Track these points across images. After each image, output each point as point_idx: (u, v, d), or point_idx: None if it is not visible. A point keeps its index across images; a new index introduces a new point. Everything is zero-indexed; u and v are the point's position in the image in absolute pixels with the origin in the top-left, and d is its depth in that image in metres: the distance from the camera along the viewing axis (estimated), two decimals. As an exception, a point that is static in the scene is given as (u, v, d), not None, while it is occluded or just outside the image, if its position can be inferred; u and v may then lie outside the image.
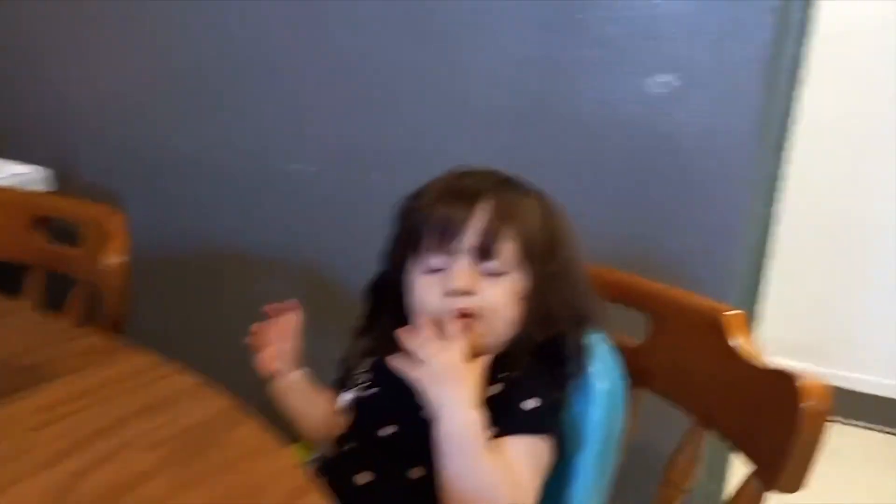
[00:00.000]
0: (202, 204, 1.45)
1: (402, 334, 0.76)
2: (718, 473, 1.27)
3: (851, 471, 2.01)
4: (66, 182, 1.50)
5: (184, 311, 1.53)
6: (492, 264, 0.77)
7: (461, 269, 0.76)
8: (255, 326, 0.91)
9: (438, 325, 0.76)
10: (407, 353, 0.75)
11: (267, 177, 1.37)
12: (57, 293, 1.10)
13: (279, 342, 0.90)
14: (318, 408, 0.91)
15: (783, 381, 0.68)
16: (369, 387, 0.84)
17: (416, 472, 0.76)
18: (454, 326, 0.75)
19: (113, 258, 1.01)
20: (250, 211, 1.41)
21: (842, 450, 2.07)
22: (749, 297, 1.22)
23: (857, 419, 2.20)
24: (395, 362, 0.75)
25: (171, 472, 0.61)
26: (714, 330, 0.78)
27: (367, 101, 1.26)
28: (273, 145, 1.36)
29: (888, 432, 2.19)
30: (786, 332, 2.22)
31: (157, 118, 1.46)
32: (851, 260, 2.23)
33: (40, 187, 1.45)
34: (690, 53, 1.03)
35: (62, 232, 1.14)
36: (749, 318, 1.25)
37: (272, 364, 0.90)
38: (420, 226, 0.79)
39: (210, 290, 1.49)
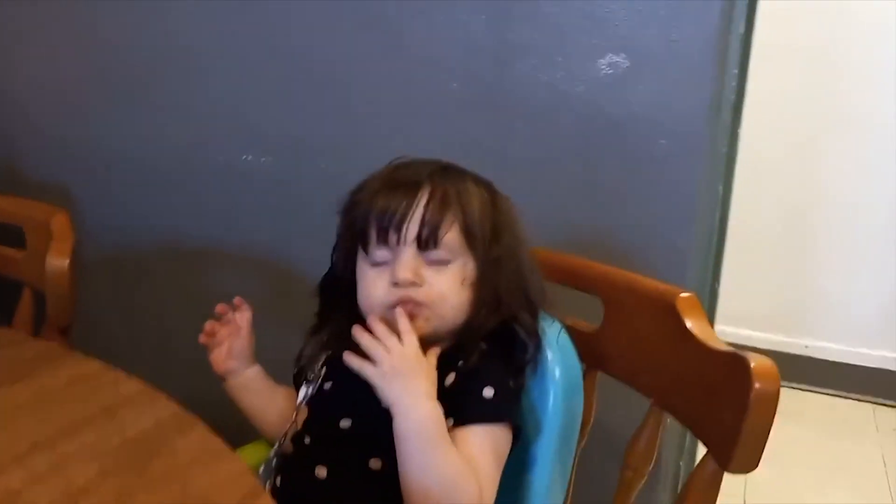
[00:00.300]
0: (152, 199, 1.41)
1: (356, 332, 0.75)
2: (690, 452, 1.29)
3: (821, 437, 2.07)
4: (7, 181, 1.45)
5: (135, 309, 1.50)
6: (435, 253, 0.78)
7: (405, 261, 0.77)
8: (207, 325, 0.90)
9: (388, 322, 0.76)
10: (361, 351, 0.75)
11: (215, 169, 1.34)
12: (8, 298, 1.07)
13: (232, 340, 0.90)
14: (275, 403, 0.92)
15: (735, 363, 0.69)
16: (325, 381, 0.84)
17: (374, 464, 0.76)
18: (402, 318, 0.75)
19: (57, 260, 0.98)
20: (201, 205, 1.38)
21: (812, 416, 2.13)
22: (707, 275, 1.23)
23: (822, 386, 2.27)
24: (350, 360, 0.75)
25: (116, 482, 0.59)
26: (668, 313, 0.78)
27: (313, 89, 1.24)
28: (220, 137, 1.33)
29: (855, 399, 2.25)
30: (752, 305, 2.27)
31: (102, 112, 1.42)
32: (813, 231, 2.27)
33: (-19, 187, 1.40)
34: (639, 34, 1.02)
35: (8, 233, 1.11)
36: (709, 296, 1.27)
37: (227, 362, 0.90)
38: (362, 220, 0.79)
39: (162, 288, 1.46)
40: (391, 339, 0.74)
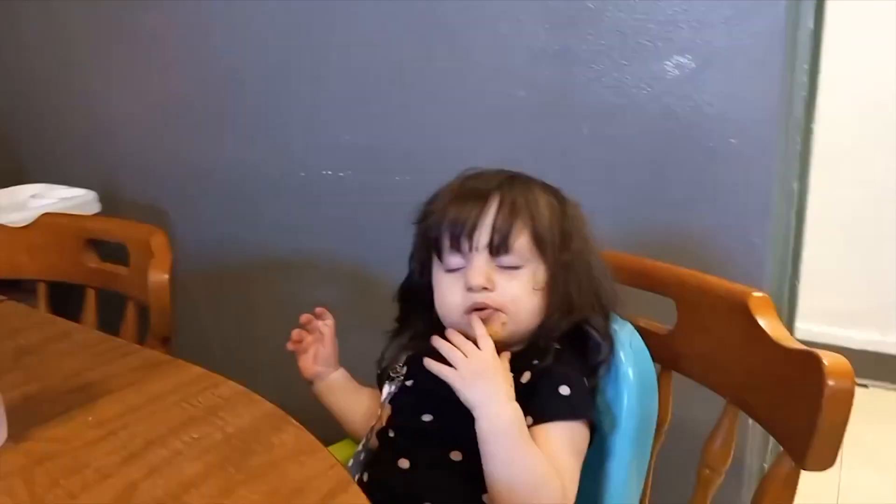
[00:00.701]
0: (240, 215, 1.49)
1: (434, 341, 0.79)
2: (774, 453, 1.27)
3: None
4: (110, 202, 1.56)
5: (228, 319, 1.59)
6: (507, 259, 0.80)
7: (477, 267, 0.80)
8: (294, 333, 0.95)
9: (464, 327, 0.79)
10: (440, 357, 0.78)
11: (298, 184, 1.41)
12: (117, 311, 1.16)
13: (317, 346, 0.95)
14: (361, 403, 0.96)
15: (809, 361, 0.68)
16: (406, 379, 0.88)
17: (455, 455, 0.79)
18: (477, 323, 0.78)
19: (156, 275, 1.06)
20: (285, 218, 1.45)
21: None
22: (786, 272, 1.21)
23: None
24: (431, 366, 0.78)
25: (219, 476, 0.64)
26: (741, 312, 0.78)
27: (387, 105, 1.29)
28: (301, 154, 1.40)
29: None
30: (840, 302, 2.18)
31: (189, 134, 1.51)
32: (890, 225, 2.17)
33: (88, 209, 1.52)
34: (704, 34, 1.02)
35: (114, 251, 1.20)
36: (789, 294, 1.25)
37: (314, 367, 0.95)
38: (436, 229, 0.82)
39: (252, 298, 1.54)
40: (468, 345, 0.77)
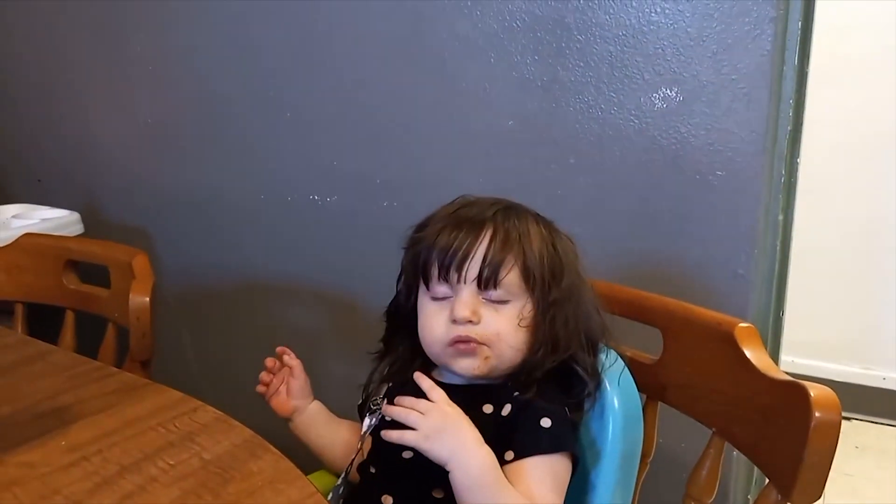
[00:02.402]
0: (224, 238, 1.48)
1: (386, 410, 0.76)
2: (759, 485, 1.26)
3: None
4: (93, 223, 1.55)
5: (209, 343, 1.57)
6: (494, 293, 0.79)
7: (464, 300, 0.79)
8: (263, 375, 0.93)
9: (445, 357, 0.79)
10: (417, 390, 0.76)
11: (284, 208, 1.40)
12: (97, 335, 1.14)
13: (289, 381, 0.92)
14: (340, 436, 0.94)
15: (795, 393, 0.68)
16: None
17: (437, 493, 0.77)
18: (421, 379, 0.75)
19: (137, 298, 1.05)
20: (271, 243, 1.44)
21: (886, 449, 2.04)
22: (771, 304, 1.21)
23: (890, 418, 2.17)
24: (390, 436, 0.74)
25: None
26: (727, 343, 0.78)
27: (376, 132, 1.29)
28: (289, 178, 1.39)
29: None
30: (823, 335, 2.19)
31: (174, 156, 1.51)
32: (881, 255, 2.19)
33: (70, 230, 1.50)
34: (691, 67, 1.04)
35: (94, 273, 1.18)
36: (773, 326, 1.25)
37: (289, 402, 0.92)
38: (426, 256, 0.81)
39: (234, 322, 1.52)
40: (420, 403, 0.73)
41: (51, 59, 1.62)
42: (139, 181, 1.56)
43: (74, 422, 0.75)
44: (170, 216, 1.54)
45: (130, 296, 1.05)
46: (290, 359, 0.93)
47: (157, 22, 1.46)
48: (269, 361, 0.93)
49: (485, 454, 0.73)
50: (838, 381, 1.92)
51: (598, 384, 0.82)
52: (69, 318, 1.18)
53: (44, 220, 1.50)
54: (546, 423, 0.77)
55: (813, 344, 2.15)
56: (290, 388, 0.92)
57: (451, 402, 0.75)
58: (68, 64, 1.59)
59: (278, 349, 0.94)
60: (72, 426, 0.74)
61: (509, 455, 0.75)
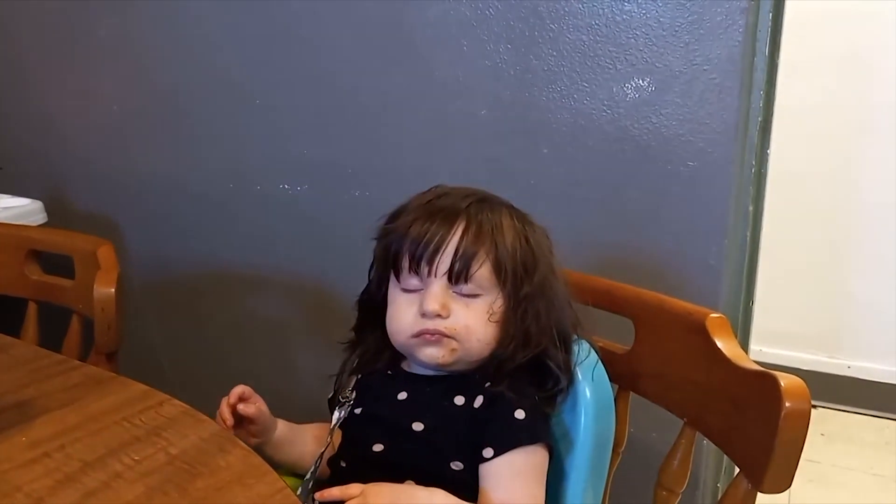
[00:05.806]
0: (193, 228, 1.46)
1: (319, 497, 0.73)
2: (729, 473, 1.27)
3: (869, 460, 2.01)
4: (58, 212, 1.51)
5: (178, 334, 1.54)
6: (465, 287, 0.78)
7: (434, 293, 0.78)
8: (219, 417, 0.84)
9: (409, 350, 0.78)
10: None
11: (254, 197, 1.38)
12: (60, 327, 1.11)
13: (249, 428, 0.86)
14: (307, 448, 0.90)
15: (766, 383, 0.69)
16: (355, 405, 0.85)
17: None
18: (345, 489, 0.72)
19: (102, 289, 1.02)
20: (240, 232, 1.42)
21: (860, 439, 2.08)
22: (741, 294, 1.22)
23: (869, 408, 2.21)
24: None
25: (161, 500, 0.61)
26: (698, 333, 0.79)
27: (347, 120, 1.28)
28: (259, 167, 1.37)
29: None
30: (791, 324, 2.23)
31: (142, 144, 1.48)
32: (847, 246, 2.23)
33: (33, 220, 1.46)
34: (663, 57, 1.04)
35: (58, 264, 1.16)
36: (743, 315, 1.26)
37: (252, 441, 0.86)
38: (397, 247, 0.80)
39: (203, 313, 1.50)
40: (351, 487, 0.70)
41: (12, 43, 1.57)
42: (105, 169, 1.53)
43: (36, 417, 0.72)
44: (137, 205, 1.51)
45: (95, 287, 1.02)
46: (246, 407, 0.84)
47: (123, 6, 1.42)
48: (226, 417, 0.83)
49: (440, 498, 0.72)
50: (804, 370, 1.96)
51: (571, 380, 0.82)
52: (32, 309, 1.15)
53: (5, 208, 1.46)
54: (520, 414, 0.77)
55: (780, 333, 2.19)
56: (251, 431, 0.86)
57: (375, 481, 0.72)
58: (30, 48, 1.55)
59: (231, 399, 0.84)
60: (34, 421, 0.72)
61: (488, 452, 0.75)
